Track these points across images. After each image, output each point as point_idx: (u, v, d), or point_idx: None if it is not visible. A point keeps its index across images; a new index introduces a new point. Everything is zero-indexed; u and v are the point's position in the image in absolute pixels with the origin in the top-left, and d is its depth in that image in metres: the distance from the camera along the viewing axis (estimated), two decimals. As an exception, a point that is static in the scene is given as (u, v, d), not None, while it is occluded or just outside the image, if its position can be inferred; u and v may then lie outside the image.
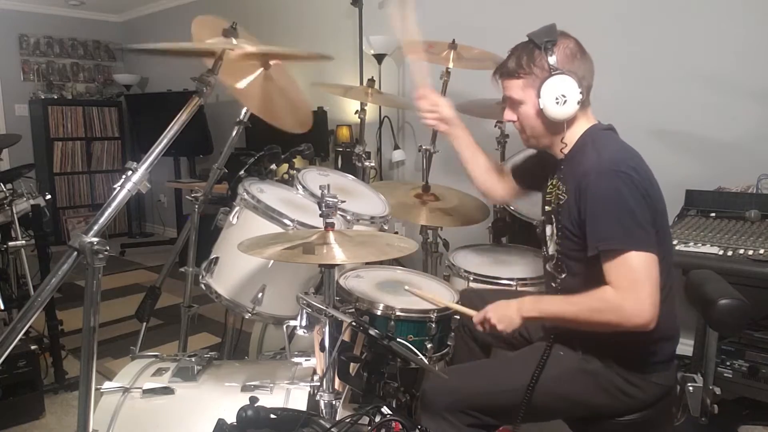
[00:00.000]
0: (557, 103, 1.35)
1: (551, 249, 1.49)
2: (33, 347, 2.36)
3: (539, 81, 1.37)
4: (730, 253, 1.86)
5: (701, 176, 2.52)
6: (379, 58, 3.65)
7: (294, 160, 2.15)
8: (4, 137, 4.51)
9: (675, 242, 1.96)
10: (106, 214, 1.15)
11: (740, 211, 2.18)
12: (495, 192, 1.79)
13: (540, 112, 1.39)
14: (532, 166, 1.70)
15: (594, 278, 1.29)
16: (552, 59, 1.36)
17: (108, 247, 1.11)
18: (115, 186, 1.17)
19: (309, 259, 1.31)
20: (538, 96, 1.37)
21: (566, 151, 1.43)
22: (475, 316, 1.49)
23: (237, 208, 1.85)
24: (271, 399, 1.41)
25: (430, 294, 1.71)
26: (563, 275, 1.44)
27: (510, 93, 1.44)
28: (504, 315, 1.41)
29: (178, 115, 1.26)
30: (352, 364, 1.39)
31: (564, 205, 1.38)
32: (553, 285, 1.49)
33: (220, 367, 1.64)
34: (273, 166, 2.06)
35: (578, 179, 1.33)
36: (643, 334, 1.25)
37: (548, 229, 1.51)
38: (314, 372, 1.52)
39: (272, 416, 1.10)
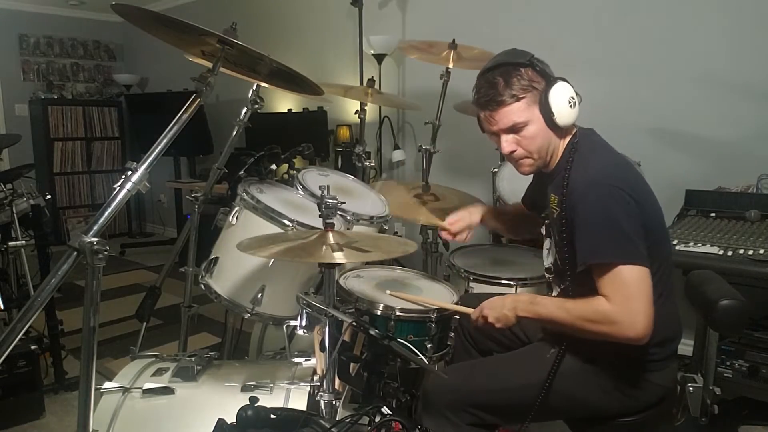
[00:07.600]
0: (570, 105, 1.34)
1: (549, 261, 1.50)
2: (33, 347, 2.36)
3: (539, 94, 1.35)
4: (730, 253, 1.86)
5: (701, 176, 2.52)
6: (379, 58, 3.65)
7: (294, 160, 2.15)
8: (4, 137, 4.51)
9: (675, 242, 1.96)
10: (106, 214, 1.15)
11: (740, 211, 2.18)
12: (537, 232, 1.84)
13: (548, 125, 1.36)
14: (534, 194, 1.71)
15: (590, 291, 1.28)
16: (541, 71, 1.36)
17: (108, 247, 1.11)
18: (115, 186, 1.17)
19: (309, 259, 1.31)
20: (545, 108, 1.34)
21: (555, 162, 1.43)
22: (473, 312, 1.49)
23: (236, 209, 1.84)
24: (271, 399, 1.41)
25: (418, 297, 1.68)
26: (561, 287, 1.44)
27: (513, 118, 1.36)
28: (500, 312, 1.41)
29: (178, 115, 1.26)
30: (352, 364, 1.39)
31: (558, 218, 1.38)
32: (553, 296, 1.49)
33: (220, 367, 1.64)
34: (273, 166, 2.05)
35: (567, 192, 1.32)
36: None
37: (547, 242, 1.52)
38: (314, 372, 1.52)
39: (272, 416, 1.10)
